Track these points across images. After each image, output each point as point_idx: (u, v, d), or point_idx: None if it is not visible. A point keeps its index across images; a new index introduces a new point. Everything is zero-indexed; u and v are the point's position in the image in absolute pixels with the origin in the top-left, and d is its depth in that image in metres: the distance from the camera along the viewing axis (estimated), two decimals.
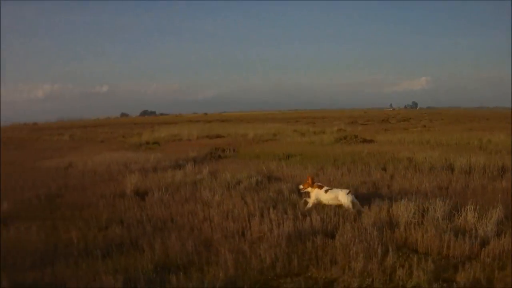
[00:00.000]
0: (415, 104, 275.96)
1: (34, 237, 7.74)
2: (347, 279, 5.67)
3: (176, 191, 11.01)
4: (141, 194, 10.94)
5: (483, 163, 13.24)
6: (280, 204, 9.15)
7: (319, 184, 9.41)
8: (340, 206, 8.82)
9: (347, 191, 8.92)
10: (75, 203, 10.50)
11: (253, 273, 5.97)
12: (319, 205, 9.05)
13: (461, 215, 7.73)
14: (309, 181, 9.36)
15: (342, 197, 8.83)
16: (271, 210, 8.48)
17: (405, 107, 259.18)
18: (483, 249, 6.45)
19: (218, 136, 32.77)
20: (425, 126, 41.71)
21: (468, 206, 7.83)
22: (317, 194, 9.15)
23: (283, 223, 7.65)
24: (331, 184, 10.34)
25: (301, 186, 9.59)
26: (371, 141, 23.96)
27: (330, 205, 8.91)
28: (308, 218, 7.88)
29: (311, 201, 9.16)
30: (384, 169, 13.56)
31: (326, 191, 9.06)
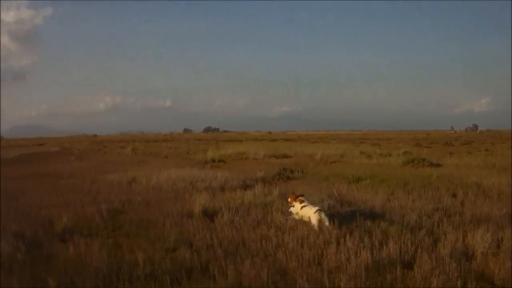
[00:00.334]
0: (475, 127, 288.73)
1: (96, 255, 7.60)
2: None
3: (246, 213, 10.79)
4: (209, 215, 10.69)
5: None
6: (356, 231, 8.97)
7: (301, 199, 10.22)
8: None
9: (315, 209, 9.47)
10: (139, 220, 10.37)
11: None
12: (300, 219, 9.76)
13: None
14: (293, 196, 10.44)
15: (311, 215, 9.45)
16: (347, 237, 8.32)
17: (466, 129, 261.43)
18: None
19: (285, 156, 32.74)
20: (487, 150, 41.30)
21: None
22: (296, 208, 10.06)
23: (360, 252, 7.51)
24: (404, 209, 11.10)
25: (289, 199, 10.58)
26: (438, 165, 24.40)
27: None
28: (385, 247, 7.75)
29: (294, 213, 10.08)
30: (454, 195, 13.50)
31: (301, 208, 9.90)
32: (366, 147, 46.17)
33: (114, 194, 13.90)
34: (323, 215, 9.31)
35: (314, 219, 9.25)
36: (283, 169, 20.65)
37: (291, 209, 10.24)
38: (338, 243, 8.06)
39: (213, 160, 28.48)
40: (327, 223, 9.18)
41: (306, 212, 9.65)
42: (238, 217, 10.29)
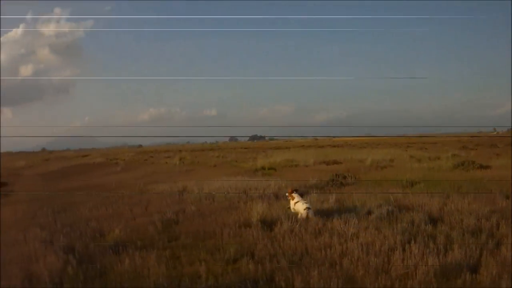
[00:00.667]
0: None
1: (154, 268, 7.61)
2: None
3: (305, 221, 10.73)
4: (268, 224, 10.60)
5: None
6: (420, 236, 9.01)
7: (296, 194, 12.02)
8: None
9: (306, 206, 11.39)
10: (195, 231, 10.35)
11: None
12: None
13: None
14: (290, 191, 12.22)
15: (301, 211, 11.32)
16: (412, 243, 8.42)
17: (507, 130, 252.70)
18: None
19: (335, 162, 32.58)
20: None
21: None
22: (292, 203, 11.88)
23: (426, 257, 7.61)
24: (461, 212, 11.28)
25: (287, 194, 12.38)
26: (487, 167, 24.55)
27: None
28: (450, 252, 7.88)
29: (291, 206, 11.84)
30: (507, 196, 13.54)
31: (295, 203, 11.74)
32: (414, 150, 46.03)
33: (165, 205, 13.99)
34: (310, 213, 11.23)
35: (304, 213, 11.19)
36: (336, 175, 20.71)
37: (291, 202, 11.96)
38: (403, 249, 8.08)
39: (263, 168, 28.57)
40: (311, 216, 11.10)
41: (299, 207, 11.52)
42: (298, 225, 10.22)
